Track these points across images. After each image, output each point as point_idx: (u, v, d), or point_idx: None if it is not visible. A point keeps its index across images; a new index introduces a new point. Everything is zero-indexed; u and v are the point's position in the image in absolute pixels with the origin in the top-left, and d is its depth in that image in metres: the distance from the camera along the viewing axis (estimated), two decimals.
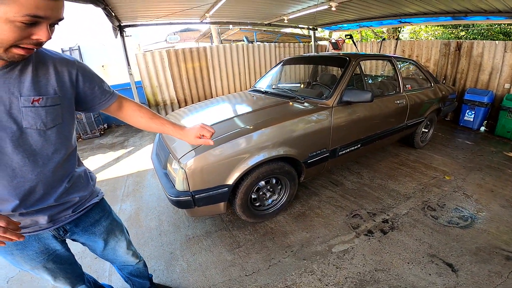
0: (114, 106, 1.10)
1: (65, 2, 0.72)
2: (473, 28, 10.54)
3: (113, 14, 4.24)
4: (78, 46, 6.58)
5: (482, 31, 10.48)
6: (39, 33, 0.68)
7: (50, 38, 0.71)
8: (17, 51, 0.69)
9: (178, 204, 1.91)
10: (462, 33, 11.32)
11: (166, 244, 2.19)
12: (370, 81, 3.68)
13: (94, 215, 1.09)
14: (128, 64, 5.54)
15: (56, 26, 0.74)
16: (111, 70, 8.12)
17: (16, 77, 0.78)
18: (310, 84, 3.70)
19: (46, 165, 0.86)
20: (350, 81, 2.63)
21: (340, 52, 7.10)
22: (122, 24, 5.15)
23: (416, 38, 13.08)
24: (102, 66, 8.29)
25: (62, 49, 6.29)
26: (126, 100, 1.15)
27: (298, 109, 2.41)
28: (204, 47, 6.52)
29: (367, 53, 5.47)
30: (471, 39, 10.49)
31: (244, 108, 2.73)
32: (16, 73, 0.78)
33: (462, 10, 4.58)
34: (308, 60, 4.00)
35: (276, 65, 3.67)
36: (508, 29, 10.21)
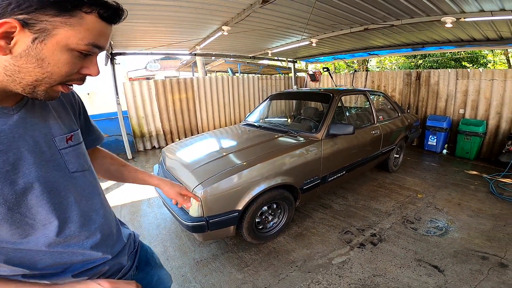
0: (91, 150, 0.97)
1: None
2: (430, 57, 11.87)
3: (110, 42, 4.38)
4: None
5: (437, 58, 11.82)
6: (90, 67, 0.60)
7: (99, 73, 0.62)
8: (61, 89, 0.59)
9: (193, 228, 2.08)
10: (420, 61, 12.60)
11: (175, 268, 2.30)
12: (348, 114, 4.13)
13: (143, 249, 1.09)
14: (117, 93, 5.36)
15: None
16: (96, 98, 7.93)
17: (39, 115, 0.66)
18: (295, 117, 4.06)
19: (100, 205, 0.80)
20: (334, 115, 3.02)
21: (318, 84, 7.68)
22: (113, 52, 5.14)
23: (382, 67, 14.34)
24: (88, 94, 8.11)
25: None
26: (100, 147, 1.07)
27: (293, 143, 2.73)
28: (191, 78, 6.60)
29: (347, 88, 6.06)
30: (428, 67, 11.77)
31: (246, 142, 2.93)
32: (38, 111, 0.66)
33: (420, 42, 5.39)
34: (294, 96, 4.38)
35: (265, 100, 4.01)
36: (458, 56, 11.65)
